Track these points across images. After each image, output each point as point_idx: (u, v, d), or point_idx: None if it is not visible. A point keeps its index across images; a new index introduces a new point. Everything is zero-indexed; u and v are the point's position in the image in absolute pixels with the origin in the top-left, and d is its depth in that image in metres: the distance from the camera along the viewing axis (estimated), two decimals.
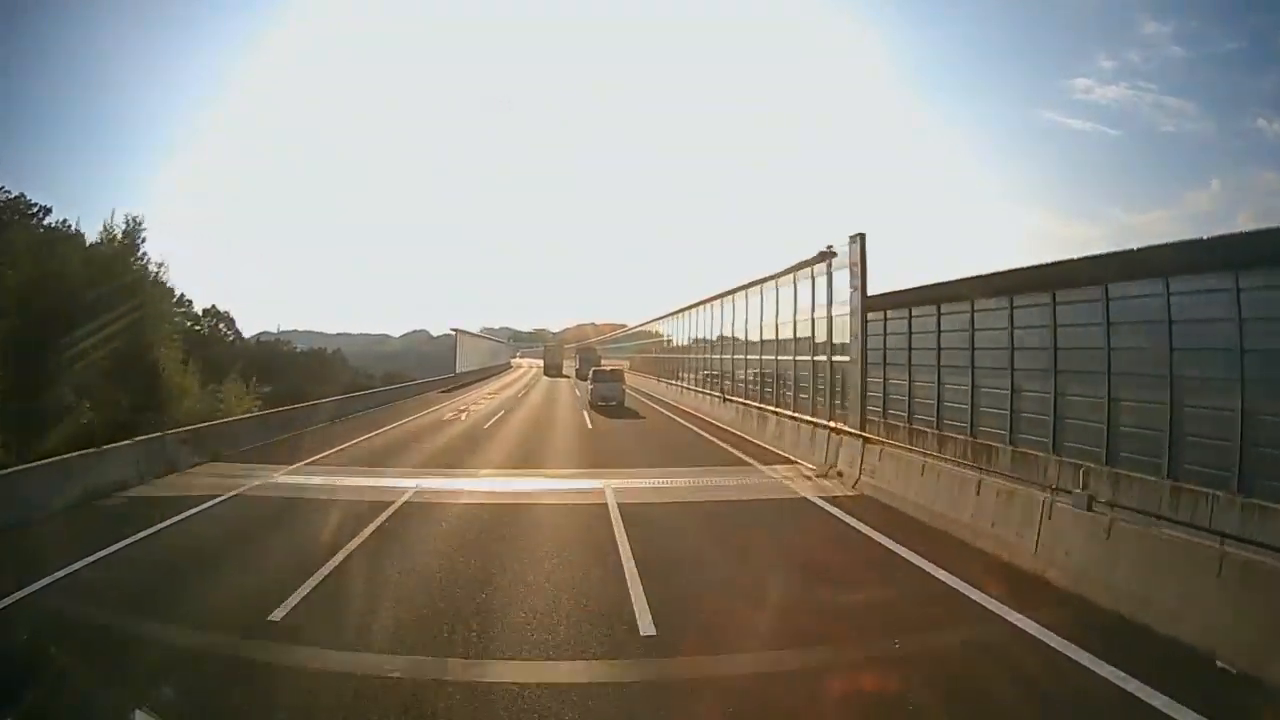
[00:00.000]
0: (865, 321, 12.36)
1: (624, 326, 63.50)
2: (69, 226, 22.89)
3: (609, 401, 25.30)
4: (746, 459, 13.26)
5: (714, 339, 26.47)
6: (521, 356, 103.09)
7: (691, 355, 30.37)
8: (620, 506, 9.09)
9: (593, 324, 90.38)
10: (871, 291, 12.76)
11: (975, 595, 5.89)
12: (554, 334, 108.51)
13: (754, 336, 20.91)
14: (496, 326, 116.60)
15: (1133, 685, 4.33)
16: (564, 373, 54.23)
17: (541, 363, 61.73)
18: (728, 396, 21.35)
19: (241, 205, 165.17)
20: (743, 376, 21.82)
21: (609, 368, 32.60)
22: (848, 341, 12.88)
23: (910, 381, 14.92)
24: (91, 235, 21.88)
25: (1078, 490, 7.26)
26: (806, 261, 14.71)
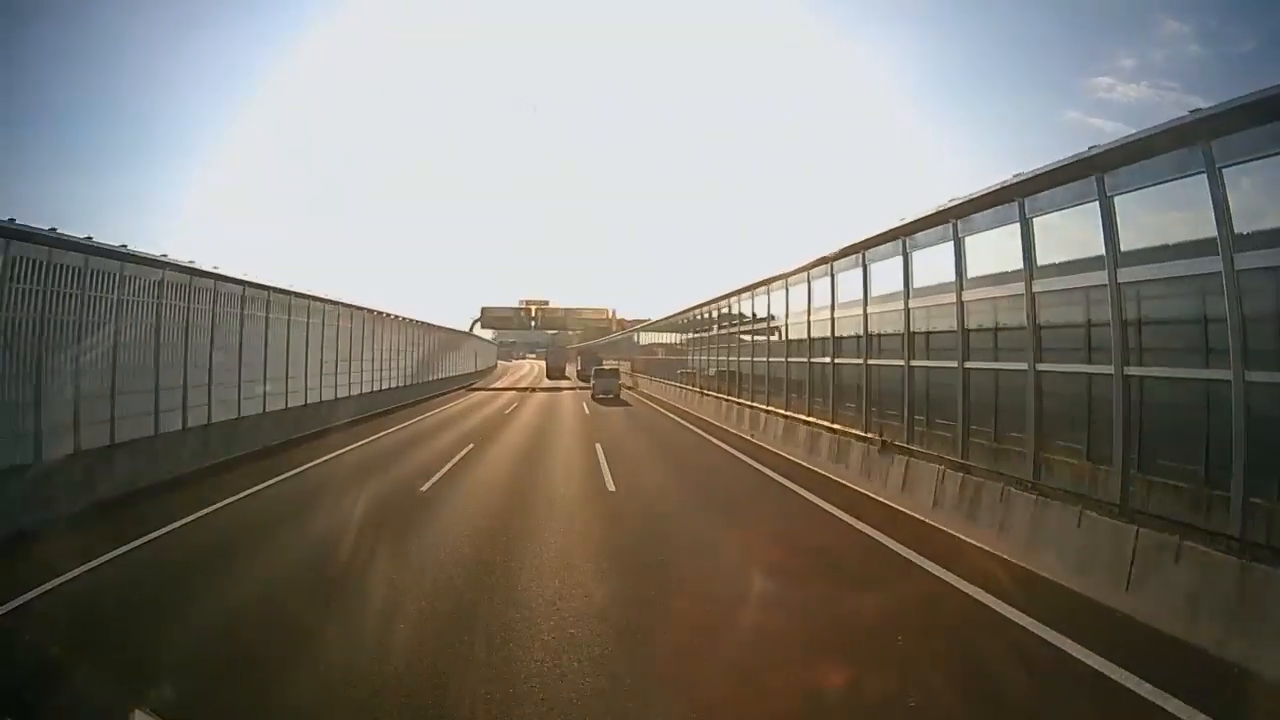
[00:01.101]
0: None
1: (644, 320, 61.90)
2: None
3: (607, 394, 32.32)
4: None
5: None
6: (526, 357, 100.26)
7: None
8: None
9: (620, 319, 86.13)
10: None
11: None
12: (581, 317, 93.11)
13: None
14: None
15: None
16: (565, 374, 54.78)
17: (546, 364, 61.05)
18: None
19: (250, 202, 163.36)
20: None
21: (608, 367, 37.89)
22: None
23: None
24: None
25: None
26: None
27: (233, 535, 8.41)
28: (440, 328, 40.08)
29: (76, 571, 6.61)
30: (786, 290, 18.75)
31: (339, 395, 21.65)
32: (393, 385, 28.19)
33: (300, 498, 10.64)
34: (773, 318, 20.27)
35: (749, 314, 23.58)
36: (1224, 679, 4.69)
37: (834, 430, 13.55)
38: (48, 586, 6.21)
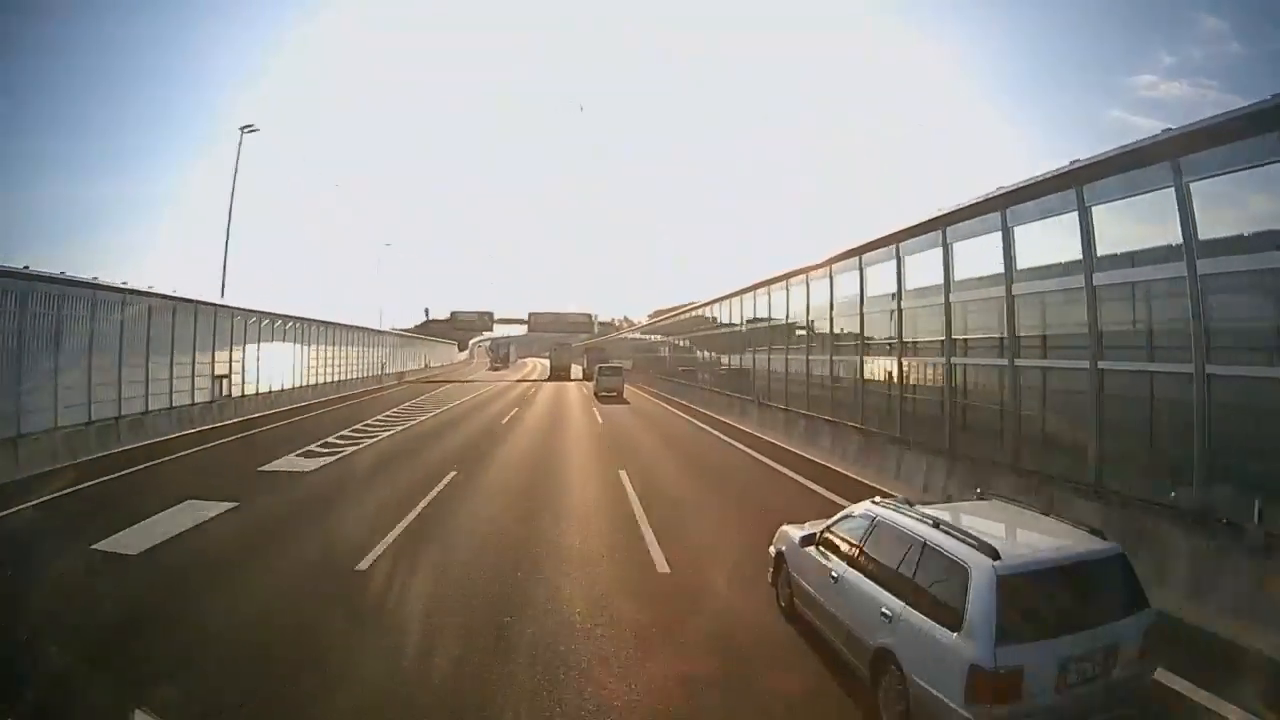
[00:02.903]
0: None
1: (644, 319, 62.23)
2: None
3: (611, 392, 33.73)
4: None
5: None
6: (528, 359, 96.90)
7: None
8: None
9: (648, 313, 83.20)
10: None
11: None
12: (627, 322, 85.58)
13: None
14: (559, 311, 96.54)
15: None
16: (570, 375, 53.54)
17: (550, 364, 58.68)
18: None
19: (248, 203, 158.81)
20: None
21: (613, 365, 39.31)
22: None
23: None
24: None
25: None
26: None
27: None
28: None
29: None
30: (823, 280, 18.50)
31: None
32: None
33: None
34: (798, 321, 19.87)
35: (765, 309, 23.10)
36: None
37: None
38: None
